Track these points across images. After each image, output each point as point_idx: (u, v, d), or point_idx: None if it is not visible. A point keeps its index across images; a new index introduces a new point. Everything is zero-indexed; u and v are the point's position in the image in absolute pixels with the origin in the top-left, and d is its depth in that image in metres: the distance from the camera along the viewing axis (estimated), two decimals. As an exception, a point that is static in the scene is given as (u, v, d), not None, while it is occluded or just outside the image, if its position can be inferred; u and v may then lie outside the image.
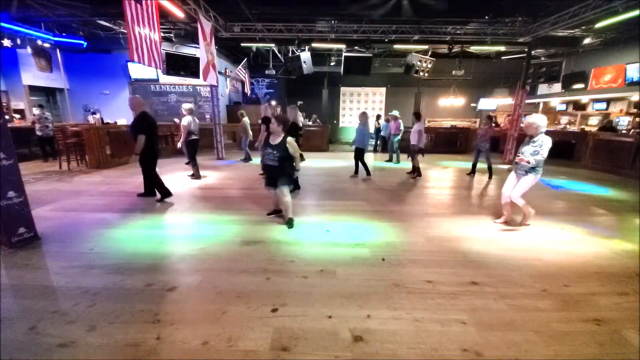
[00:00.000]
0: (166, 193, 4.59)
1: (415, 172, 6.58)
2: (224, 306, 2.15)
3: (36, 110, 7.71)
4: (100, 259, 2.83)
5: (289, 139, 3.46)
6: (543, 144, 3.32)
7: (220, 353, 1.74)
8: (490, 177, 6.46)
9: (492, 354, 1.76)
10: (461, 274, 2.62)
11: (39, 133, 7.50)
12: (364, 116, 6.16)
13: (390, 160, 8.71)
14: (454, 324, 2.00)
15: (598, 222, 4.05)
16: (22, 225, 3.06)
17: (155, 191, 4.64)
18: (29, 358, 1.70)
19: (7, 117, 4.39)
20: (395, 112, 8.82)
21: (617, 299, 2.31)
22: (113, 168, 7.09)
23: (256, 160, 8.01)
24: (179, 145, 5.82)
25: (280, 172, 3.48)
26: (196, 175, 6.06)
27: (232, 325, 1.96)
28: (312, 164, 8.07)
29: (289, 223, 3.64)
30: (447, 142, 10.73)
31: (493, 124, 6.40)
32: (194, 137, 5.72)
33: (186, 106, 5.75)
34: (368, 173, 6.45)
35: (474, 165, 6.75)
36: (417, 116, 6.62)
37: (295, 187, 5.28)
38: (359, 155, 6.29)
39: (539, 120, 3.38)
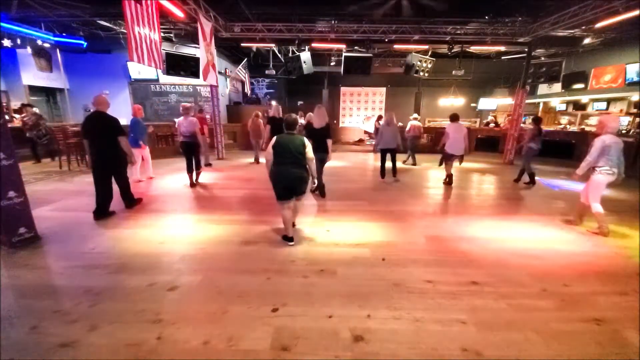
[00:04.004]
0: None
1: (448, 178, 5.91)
2: (225, 306, 2.15)
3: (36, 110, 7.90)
4: (102, 258, 2.83)
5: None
6: (594, 145, 3.32)
7: (221, 353, 1.75)
8: (533, 183, 5.88)
9: (492, 354, 1.76)
10: (461, 274, 2.62)
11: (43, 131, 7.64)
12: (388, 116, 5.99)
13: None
14: (454, 324, 2.00)
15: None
16: (23, 225, 3.06)
17: (131, 201, 4.22)
18: (31, 358, 1.71)
19: (7, 117, 4.39)
20: None
21: (617, 298, 2.31)
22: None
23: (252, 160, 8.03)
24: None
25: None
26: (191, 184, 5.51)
27: (232, 324, 1.97)
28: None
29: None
30: (447, 142, 10.70)
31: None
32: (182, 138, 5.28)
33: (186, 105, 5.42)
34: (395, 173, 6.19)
35: (522, 173, 5.99)
36: (455, 118, 5.78)
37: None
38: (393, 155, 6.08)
39: (605, 119, 3.36)
